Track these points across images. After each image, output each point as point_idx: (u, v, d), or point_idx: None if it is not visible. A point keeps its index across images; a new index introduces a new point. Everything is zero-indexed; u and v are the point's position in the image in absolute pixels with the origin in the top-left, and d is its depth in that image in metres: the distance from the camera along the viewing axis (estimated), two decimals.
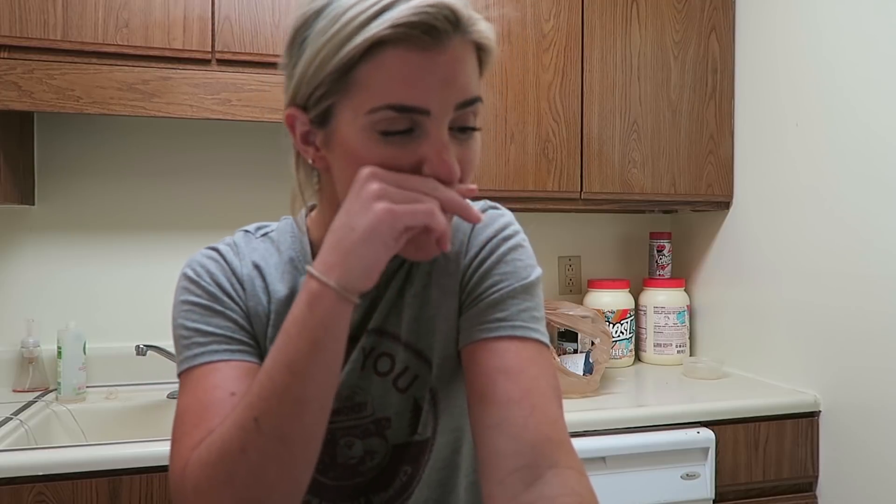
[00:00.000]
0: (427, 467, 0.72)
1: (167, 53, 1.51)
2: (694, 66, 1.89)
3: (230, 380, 0.64)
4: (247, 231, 0.76)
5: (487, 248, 0.70)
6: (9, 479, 1.19)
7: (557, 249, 2.16)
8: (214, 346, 0.66)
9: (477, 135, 0.65)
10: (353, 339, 0.70)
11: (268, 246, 0.74)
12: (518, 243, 0.72)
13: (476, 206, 0.72)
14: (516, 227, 0.74)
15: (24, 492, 1.19)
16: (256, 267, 0.71)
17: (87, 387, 1.65)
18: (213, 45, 1.53)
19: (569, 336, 1.89)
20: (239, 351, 0.66)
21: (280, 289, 0.71)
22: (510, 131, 1.74)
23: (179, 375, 0.67)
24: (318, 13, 0.60)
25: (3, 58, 1.43)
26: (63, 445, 1.34)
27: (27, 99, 1.44)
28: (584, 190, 1.81)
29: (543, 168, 1.77)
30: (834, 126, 1.59)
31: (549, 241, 2.15)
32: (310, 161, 0.67)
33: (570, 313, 1.73)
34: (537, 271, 0.71)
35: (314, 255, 0.71)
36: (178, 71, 1.52)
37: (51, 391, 1.67)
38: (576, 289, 2.16)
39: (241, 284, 0.70)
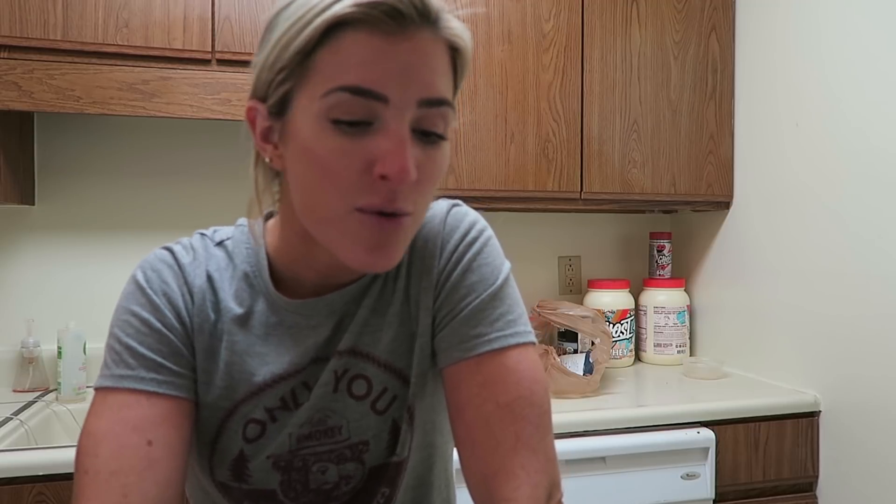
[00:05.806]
0: (403, 487, 0.70)
1: (167, 53, 1.51)
2: (694, 66, 1.89)
3: (150, 424, 0.61)
4: (203, 235, 0.71)
5: (453, 258, 0.67)
6: (9, 479, 1.19)
7: (557, 249, 2.16)
8: (142, 373, 0.62)
9: (445, 145, 0.59)
10: (321, 361, 0.67)
11: (223, 256, 0.69)
12: (482, 244, 0.68)
13: (440, 206, 0.70)
14: (481, 224, 0.69)
15: (24, 492, 1.19)
16: (209, 278, 0.68)
17: (88, 387, 1.65)
18: (213, 45, 1.53)
19: (569, 336, 1.89)
20: (166, 382, 0.63)
21: (233, 307, 0.67)
22: (510, 131, 1.74)
23: (98, 389, 0.63)
24: (288, 5, 0.58)
25: (3, 58, 1.43)
26: (63, 445, 1.33)
27: (27, 99, 1.44)
28: (584, 190, 1.81)
29: (543, 168, 1.77)
30: (834, 126, 1.59)
31: (549, 241, 2.15)
32: (268, 160, 0.63)
33: (570, 313, 1.73)
34: (505, 269, 0.68)
35: (271, 270, 0.68)
36: (178, 71, 1.52)
37: (51, 391, 1.67)
38: (576, 289, 2.16)
39: (192, 295, 0.67)
